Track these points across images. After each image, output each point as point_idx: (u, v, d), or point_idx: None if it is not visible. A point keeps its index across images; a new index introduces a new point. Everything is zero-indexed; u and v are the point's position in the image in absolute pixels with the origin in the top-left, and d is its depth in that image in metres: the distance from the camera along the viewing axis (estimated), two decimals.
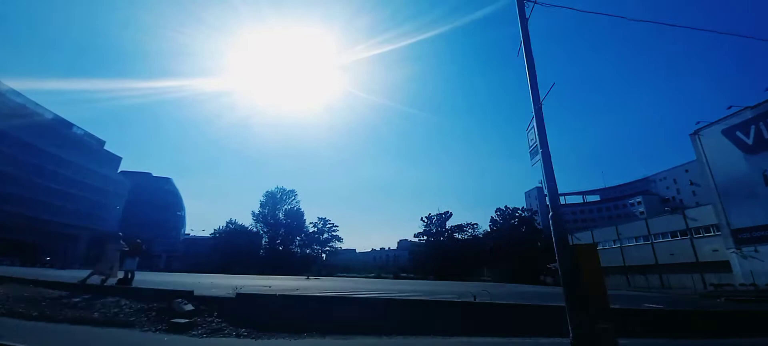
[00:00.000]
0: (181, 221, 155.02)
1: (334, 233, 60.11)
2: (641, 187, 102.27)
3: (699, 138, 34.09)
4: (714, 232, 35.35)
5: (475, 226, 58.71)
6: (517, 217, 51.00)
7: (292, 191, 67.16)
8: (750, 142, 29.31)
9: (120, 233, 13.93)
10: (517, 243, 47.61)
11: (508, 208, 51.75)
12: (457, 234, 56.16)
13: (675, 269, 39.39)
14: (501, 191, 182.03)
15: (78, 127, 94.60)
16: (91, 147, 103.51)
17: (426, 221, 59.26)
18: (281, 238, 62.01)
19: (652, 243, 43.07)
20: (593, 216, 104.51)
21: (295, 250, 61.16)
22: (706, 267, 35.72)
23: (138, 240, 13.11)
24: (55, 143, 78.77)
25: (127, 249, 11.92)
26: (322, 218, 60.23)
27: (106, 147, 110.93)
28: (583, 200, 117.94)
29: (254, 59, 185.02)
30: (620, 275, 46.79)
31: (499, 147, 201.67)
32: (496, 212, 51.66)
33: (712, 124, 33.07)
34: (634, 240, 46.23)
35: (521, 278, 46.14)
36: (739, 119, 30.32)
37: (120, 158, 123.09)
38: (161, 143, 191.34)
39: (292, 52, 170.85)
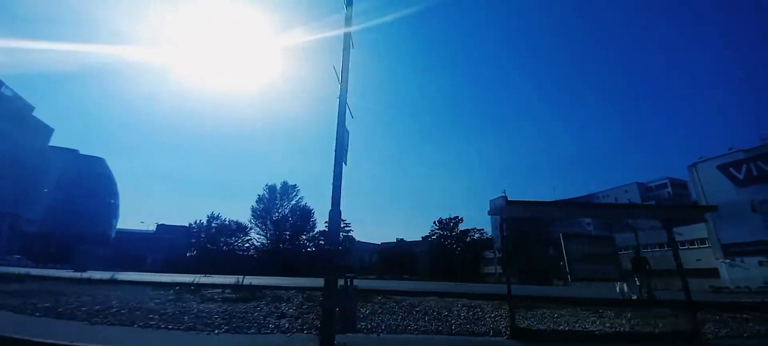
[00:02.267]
0: (113, 210, 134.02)
1: (347, 232, 59.01)
2: (586, 202, 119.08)
3: (696, 169, 42.53)
4: (698, 245, 44.30)
5: (482, 230, 63.32)
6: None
7: (295, 186, 64.09)
8: (741, 177, 37.80)
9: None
10: (526, 247, 52.38)
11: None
12: (467, 238, 60.13)
13: (660, 275, 47.97)
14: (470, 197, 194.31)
15: (7, 88, 76.34)
16: (21, 112, 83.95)
17: (437, 223, 62.18)
18: (288, 236, 58.66)
19: (639, 252, 51.60)
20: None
21: (306, 249, 58.44)
22: (690, 273, 44.34)
23: None
24: None
25: None
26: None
27: (35, 114, 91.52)
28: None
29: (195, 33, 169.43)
30: (609, 280, 54.94)
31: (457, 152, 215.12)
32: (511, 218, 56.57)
33: (707, 159, 41.59)
34: (624, 250, 54.77)
35: (531, 280, 50.83)
36: (733, 159, 38.86)
37: (52, 129, 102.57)
38: (88, 118, 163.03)
39: (236, 30, 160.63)
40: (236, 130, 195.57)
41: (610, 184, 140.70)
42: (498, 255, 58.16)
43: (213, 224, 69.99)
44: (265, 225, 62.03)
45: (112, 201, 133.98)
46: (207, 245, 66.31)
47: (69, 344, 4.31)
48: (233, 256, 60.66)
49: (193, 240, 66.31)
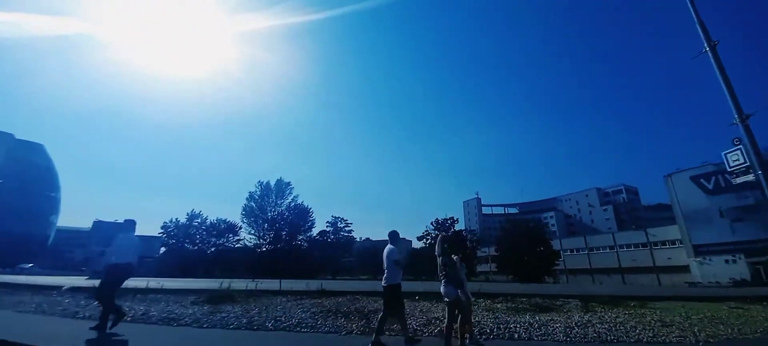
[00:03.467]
0: (53, 205, 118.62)
1: (347, 232, 57.88)
2: (551, 204, 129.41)
3: (671, 179, 48.40)
4: (669, 245, 50.46)
5: (474, 231, 65.41)
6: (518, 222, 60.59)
7: (290, 184, 61.45)
8: (711, 187, 43.77)
9: None
10: (521, 247, 55.72)
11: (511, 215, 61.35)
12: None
13: (635, 272, 53.91)
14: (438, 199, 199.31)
15: None
16: None
17: (434, 223, 63.55)
18: (285, 237, 56.05)
19: (616, 251, 57.51)
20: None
21: (302, 250, 56.29)
22: (661, 270, 50.53)
23: None
24: None
25: None
26: (335, 217, 57.34)
27: None
28: (505, 211, 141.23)
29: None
30: (587, 275, 60.46)
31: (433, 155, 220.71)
32: (506, 220, 60.10)
33: (682, 171, 47.52)
34: (600, 249, 60.54)
35: (525, 278, 54.03)
36: (704, 171, 44.84)
37: None
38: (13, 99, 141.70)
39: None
40: (186, 119, 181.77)
41: (572, 188, 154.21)
42: (494, 254, 61.06)
43: (194, 222, 64.74)
44: (258, 224, 58.79)
45: (53, 195, 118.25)
46: (185, 245, 61.27)
47: None
48: (222, 257, 56.62)
49: (172, 241, 60.66)
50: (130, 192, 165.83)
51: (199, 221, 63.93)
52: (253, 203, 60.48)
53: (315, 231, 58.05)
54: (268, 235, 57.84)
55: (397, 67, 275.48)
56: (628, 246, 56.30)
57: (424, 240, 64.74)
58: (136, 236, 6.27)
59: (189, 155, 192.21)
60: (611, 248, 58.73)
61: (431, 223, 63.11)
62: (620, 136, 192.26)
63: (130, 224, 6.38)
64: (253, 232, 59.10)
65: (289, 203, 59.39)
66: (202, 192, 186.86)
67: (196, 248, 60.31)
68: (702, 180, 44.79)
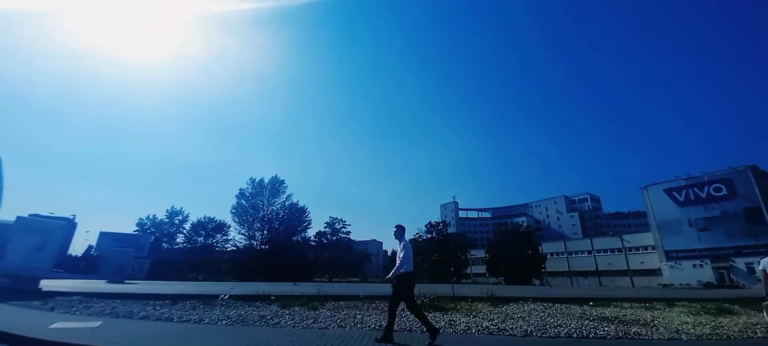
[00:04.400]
0: None
1: (345, 233, 56.88)
2: (522, 210, 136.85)
3: (647, 191, 53.51)
4: (642, 250, 55.68)
5: (463, 233, 67.64)
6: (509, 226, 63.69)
7: (284, 182, 59.41)
8: (681, 199, 49.06)
9: None
10: (512, 250, 58.59)
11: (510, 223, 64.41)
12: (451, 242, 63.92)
13: (611, 274, 58.81)
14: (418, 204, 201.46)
15: None
16: None
17: (427, 227, 64.78)
18: (282, 237, 53.98)
19: (594, 255, 62.34)
20: (489, 229, 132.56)
21: (299, 251, 54.53)
22: (635, 273, 55.61)
23: None
24: None
25: None
26: (333, 217, 56.16)
27: None
28: (479, 215, 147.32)
29: None
30: (565, 277, 64.88)
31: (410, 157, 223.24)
32: (499, 226, 62.77)
33: (656, 183, 52.74)
34: (579, 253, 65.27)
35: (516, 281, 56.89)
36: (676, 184, 50.17)
37: None
38: None
39: None
40: (142, 107, 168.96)
41: (542, 195, 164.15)
42: (486, 256, 63.41)
43: (175, 220, 60.27)
44: (249, 223, 56.10)
45: None
46: (162, 243, 56.97)
47: None
48: (211, 258, 53.31)
49: (150, 239, 55.91)
50: (68, 183, 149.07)
51: (180, 218, 59.83)
52: (243, 201, 57.73)
53: (310, 232, 56.49)
54: (262, 234, 55.53)
55: (375, 67, 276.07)
56: (605, 251, 61.29)
57: (417, 244, 65.85)
58: (408, 241, 6.07)
59: (146, 147, 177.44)
60: (589, 252, 63.56)
61: (425, 226, 64.46)
62: (584, 147, 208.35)
63: (400, 230, 6.09)
64: (243, 231, 56.44)
65: (284, 201, 57.51)
66: (163, 187, 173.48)
67: (178, 247, 56.28)
68: (674, 193, 50.06)
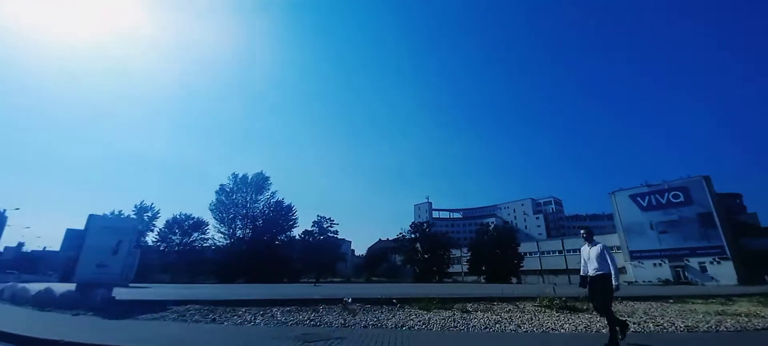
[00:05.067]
0: None
1: (333, 233, 55.51)
2: (492, 211, 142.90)
3: (614, 196, 58.37)
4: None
5: (446, 234, 69.30)
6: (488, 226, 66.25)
7: (268, 178, 56.92)
8: (644, 205, 54.16)
9: None
10: (497, 249, 61.14)
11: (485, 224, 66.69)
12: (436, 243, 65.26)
13: (578, 273, 63.31)
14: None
15: None
16: None
17: (412, 227, 65.56)
18: (266, 236, 51.53)
19: (564, 255, 66.83)
20: (459, 229, 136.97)
21: (285, 251, 52.40)
22: None
23: None
24: None
25: None
26: (321, 216, 54.67)
27: None
28: (450, 215, 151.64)
29: None
30: (538, 276, 68.93)
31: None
32: (482, 226, 65.11)
33: (623, 189, 57.69)
34: (551, 253, 69.65)
35: (496, 279, 59.42)
36: (640, 191, 55.25)
37: None
38: None
39: None
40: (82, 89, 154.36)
41: (511, 197, 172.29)
42: (466, 255, 65.46)
43: (145, 216, 55.25)
44: (230, 220, 52.98)
45: None
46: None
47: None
48: (189, 258, 49.57)
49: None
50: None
51: (150, 214, 55.16)
52: (224, 198, 54.52)
53: (295, 232, 54.76)
54: (244, 233, 52.84)
55: (348, 65, 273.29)
56: (575, 250, 65.93)
57: (402, 243, 66.37)
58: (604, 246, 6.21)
59: (92, 136, 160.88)
60: (560, 252, 68.09)
61: (410, 226, 65.19)
62: (550, 152, 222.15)
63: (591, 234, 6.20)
64: (224, 229, 53.28)
65: (268, 198, 55.16)
66: (117, 181, 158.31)
67: (148, 246, 51.69)
68: (638, 198, 55.15)
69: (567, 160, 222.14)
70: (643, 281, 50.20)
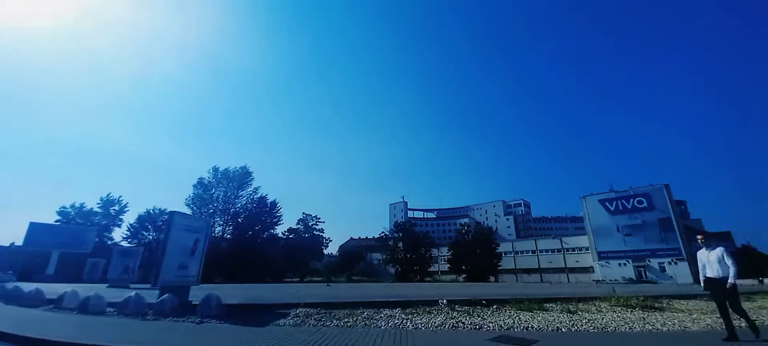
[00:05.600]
0: None
1: (318, 231, 54.16)
2: (464, 212, 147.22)
3: (585, 200, 62.48)
4: (577, 251, 64.80)
5: (427, 234, 70.68)
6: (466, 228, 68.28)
7: (251, 173, 54.63)
8: (612, 209, 58.49)
9: None
10: (478, 249, 63.12)
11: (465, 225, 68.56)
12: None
13: (550, 271, 67.24)
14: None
15: None
16: None
17: (396, 227, 65.97)
18: (249, 234, 49.29)
19: (537, 255, 70.49)
20: (433, 228, 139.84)
21: (270, 249, 50.42)
22: (571, 270, 64.52)
23: None
24: None
25: None
26: (306, 214, 53.11)
27: None
28: (424, 215, 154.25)
29: None
30: (512, 274, 72.15)
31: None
32: (462, 227, 66.68)
33: (593, 194, 61.89)
34: (524, 253, 73.15)
35: (475, 278, 61.50)
36: (608, 196, 59.58)
37: None
38: None
39: None
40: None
41: (483, 198, 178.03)
42: (444, 255, 66.98)
43: (111, 211, 50.79)
44: (209, 215, 50.13)
45: None
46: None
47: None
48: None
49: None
50: None
51: (117, 208, 50.98)
52: (202, 192, 51.59)
53: (279, 229, 53.10)
54: (224, 230, 50.37)
55: (320, 60, 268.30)
56: (547, 250, 69.88)
57: (385, 243, 66.57)
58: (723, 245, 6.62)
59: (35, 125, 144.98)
60: (533, 252, 71.72)
61: (393, 226, 65.64)
62: (517, 156, 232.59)
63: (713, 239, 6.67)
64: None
65: (251, 194, 53.00)
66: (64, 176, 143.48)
67: (116, 243, 47.70)
68: (606, 203, 59.46)
69: (533, 165, 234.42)
70: (610, 280, 54.19)
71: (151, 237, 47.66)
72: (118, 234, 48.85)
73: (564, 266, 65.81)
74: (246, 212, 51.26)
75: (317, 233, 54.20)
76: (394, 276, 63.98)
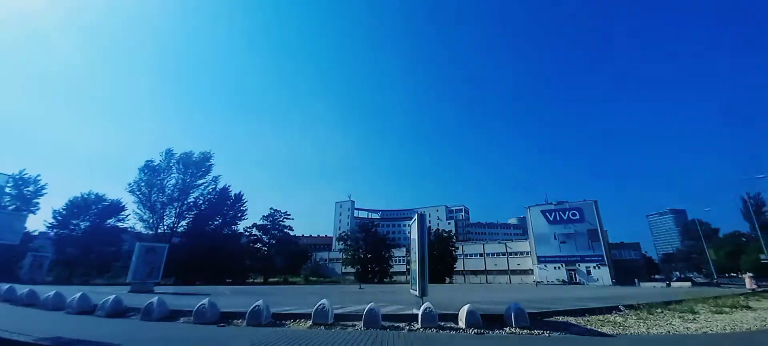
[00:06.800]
0: None
1: (287, 228, 50.46)
2: (409, 214, 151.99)
3: (529, 210, 70.41)
4: (519, 255, 72.55)
5: (387, 235, 71.84)
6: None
7: (210, 158, 49.13)
8: (551, 219, 67.03)
9: None
10: (438, 251, 66.49)
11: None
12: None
13: (495, 273, 74.11)
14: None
15: None
16: None
17: (359, 227, 65.81)
18: (209, 229, 44.11)
19: (484, 258, 76.98)
20: (380, 229, 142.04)
21: (233, 246, 45.71)
22: (513, 272, 71.97)
23: None
24: None
25: None
26: (273, 209, 49.19)
27: None
28: (368, 216, 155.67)
29: None
30: (461, 275, 77.64)
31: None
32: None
33: (536, 205, 70.07)
34: (473, 256, 79.21)
35: (433, 280, 64.87)
36: (547, 207, 68.09)
37: None
38: None
39: None
40: None
41: (427, 202, 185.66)
42: (407, 257, 68.86)
43: (25, 191, 40.63)
44: (157, 208, 43.64)
45: None
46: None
47: None
48: (100, 252, 38.59)
49: None
50: None
51: (33, 189, 41.50)
52: (151, 177, 44.82)
53: (241, 225, 48.99)
54: (177, 223, 44.58)
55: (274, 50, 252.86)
56: (493, 254, 76.80)
57: (345, 242, 65.82)
58: None
59: None
60: (480, 255, 78.14)
61: (357, 225, 65.41)
62: (460, 164, 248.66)
63: None
64: (147, 216, 43.75)
65: (209, 182, 47.82)
66: None
67: (36, 233, 38.69)
68: (546, 213, 67.88)
69: (472, 173, 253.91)
70: (547, 281, 62.07)
71: (81, 226, 39.71)
72: (36, 222, 39.59)
73: (507, 269, 73.17)
74: (204, 202, 46.13)
75: (286, 230, 51.23)
76: (356, 277, 63.76)
